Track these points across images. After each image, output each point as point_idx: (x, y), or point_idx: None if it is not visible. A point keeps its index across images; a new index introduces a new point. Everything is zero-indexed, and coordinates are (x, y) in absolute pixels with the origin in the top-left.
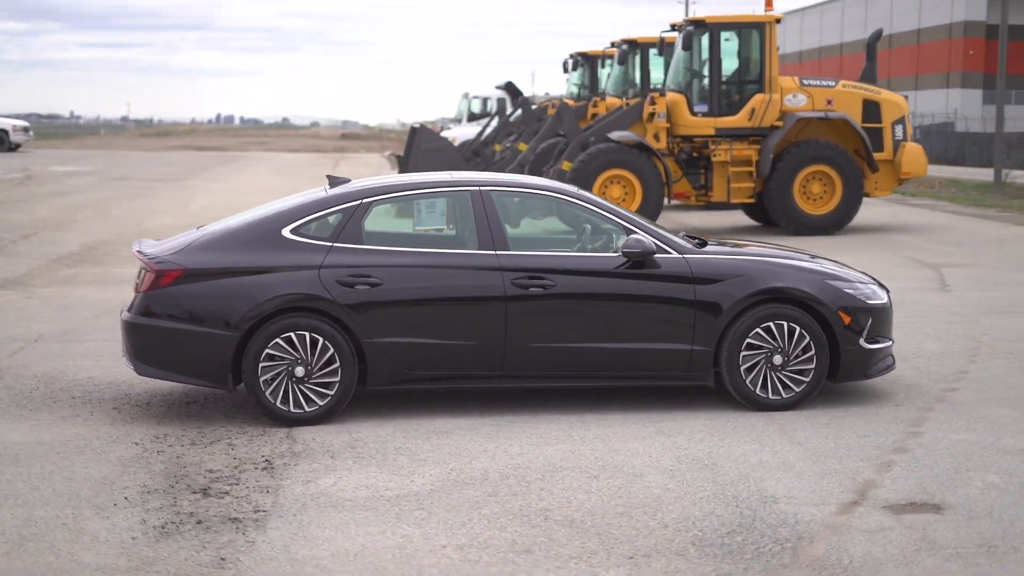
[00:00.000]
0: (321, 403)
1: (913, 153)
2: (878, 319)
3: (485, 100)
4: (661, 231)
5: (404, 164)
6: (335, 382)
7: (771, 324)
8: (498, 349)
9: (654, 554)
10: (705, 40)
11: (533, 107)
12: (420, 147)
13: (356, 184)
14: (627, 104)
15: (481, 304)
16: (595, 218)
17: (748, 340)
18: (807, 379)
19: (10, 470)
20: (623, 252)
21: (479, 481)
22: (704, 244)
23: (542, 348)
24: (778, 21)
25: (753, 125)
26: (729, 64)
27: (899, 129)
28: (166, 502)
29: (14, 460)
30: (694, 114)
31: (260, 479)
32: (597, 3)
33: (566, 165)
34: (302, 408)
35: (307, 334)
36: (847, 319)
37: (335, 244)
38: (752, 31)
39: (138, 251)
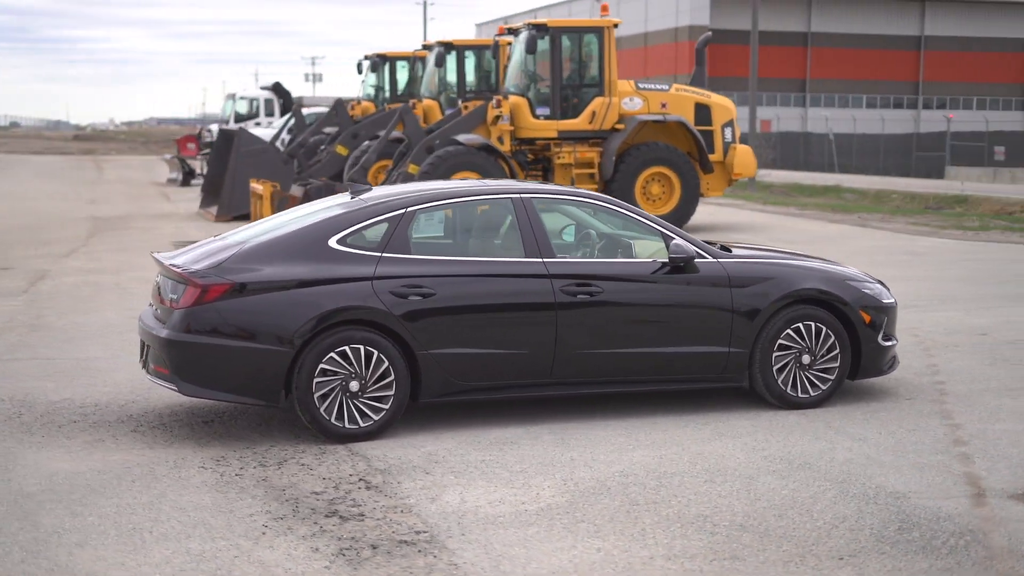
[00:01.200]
0: (376, 418)
1: (744, 155)
2: (890, 318)
3: (252, 101)
4: (691, 236)
5: (217, 167)
6: (389, 396)
7: (800, 325)
8: (547, 357)
9: (860, 554)
10: (547, 44)
11: (306, 109)
12: (241, 150)
13: (396, 192)
14: (466, 108)
15: (532, 312)
16: (633, 224)
17: (780, 341)
18: (832, 377)
19: (104, 502)
20: (671, 257)
21: (602, 490)
22: (728, 249)
23: (589, 355)
24: (616, 26)
25: (594, 128)
26: (570, 68)
27: (728, 131)
28: (312, 528)
29: (93, 491)
30: (536, 117)
31: (377, 499)
32: (314, 3)
33: (413, 168)
34: (357, 424)
35: (361, 347)
36: (867, 318)
37: (384, 254)
38: (592, 35)
39: (172, 264)
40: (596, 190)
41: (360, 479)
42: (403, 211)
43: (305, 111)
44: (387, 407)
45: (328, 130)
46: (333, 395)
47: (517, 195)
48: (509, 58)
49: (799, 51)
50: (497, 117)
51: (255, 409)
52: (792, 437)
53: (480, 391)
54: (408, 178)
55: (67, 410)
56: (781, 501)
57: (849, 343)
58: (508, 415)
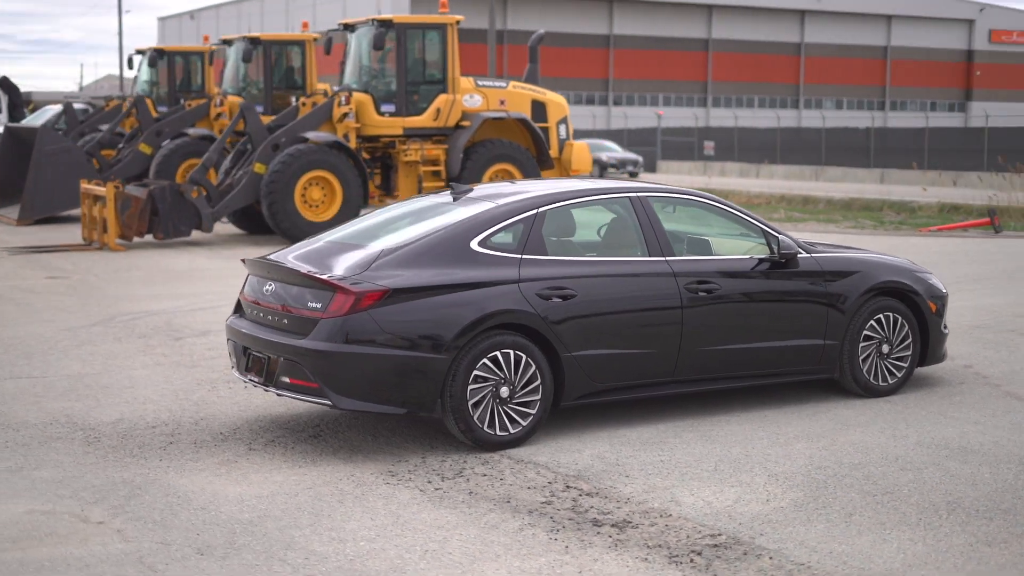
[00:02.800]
0: (524, 423)
1: (580, 151)
2: (946, 307)
3: None
4: (785, 232)
5: (6, 168)
6: (536, 400)
7: (881, 316)
8: (672, 356)
9: None
10: (391, 40)
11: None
12: (44, 149)
13: (514, 191)
14: (304, 104)
15: (660, 311)
16: (737, 222)
17: (865, 332)
18: (905, 365)
19: (351, 524)
20: (781, 253)
21: (822, 483)
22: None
23: (710, 352)
24: (458, 23)
25: (439, 125)
26: (415, 64)
27: (563, 128)
28: (604, 539)
29: (319, 514)
30: (381, 114)
31: (618, 504)
32: None
33: (259, 167)
34: (507, 431)
35: (511, 352)
36: (934, 307)
37: (524, 256)
38: (435, 32)
39: (312, 270)
40: (442, 189)
41: (567, 486)
42: (535, 211)
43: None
44: (534, 412)
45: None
46: (485, 402)
47: (634, 194)
48: (345, 54)
49: (601, 52)
50: (344, 114)
51: (361, 419)
52: (912, 426)
53: (614, 392)
54: (255, 178)
55: (142, 432)
56: (998, 485)
57: (919, 332)
58: (613, 416)
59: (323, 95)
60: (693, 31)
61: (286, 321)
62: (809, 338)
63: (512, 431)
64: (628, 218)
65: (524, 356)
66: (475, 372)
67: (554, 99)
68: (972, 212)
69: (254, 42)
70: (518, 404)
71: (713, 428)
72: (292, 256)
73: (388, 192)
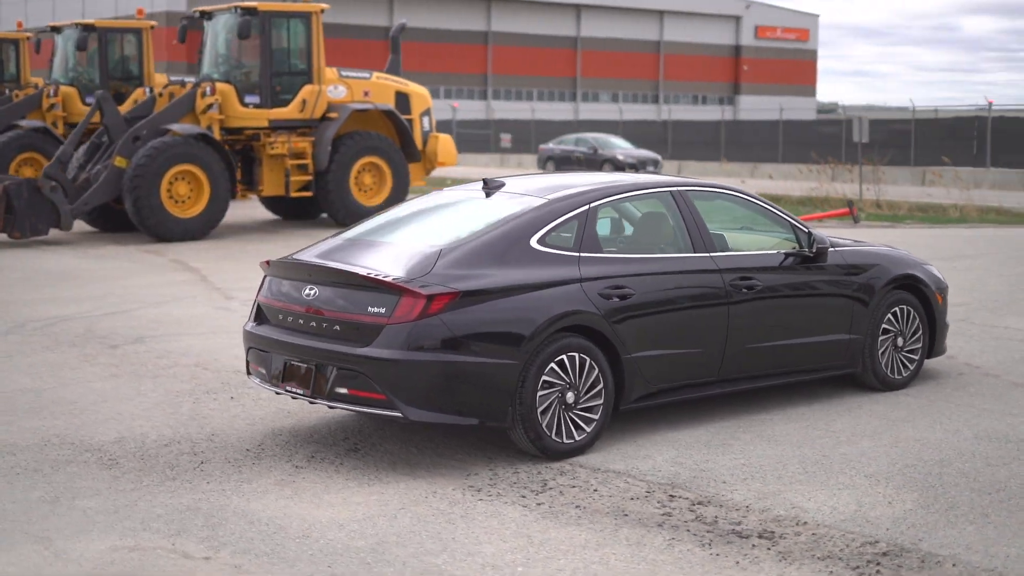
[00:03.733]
0: (588, 429)
1: (445, 143)
2: (947, 299)
3: None
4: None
5: None
6: (598, 405)
7: (897, 309)
8: (718, 355)
9: None
10: (256, 28)
11: None
12: None
13: (562, 185)
14: (161, 95)
15: (709, 309)
16: (766, 216)
17: (883, 325)
18: (916, 358)
19: (487, 548)
20: (816, 248)
21: (927, 483)
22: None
23: (752, 350)
24: (323, 11)
25: (305, 116)
26: (279, 54)
27: (426, 120)
28: (775, 551)
29: (439, 538)
30: (245, 105)
31: (739, 513)
32: None
33: (121, 162)
34: (573, 438)
35: (576, 355)
36: (940, 299)
37: (582, 254)
38: (300, 21)
39: (375, 273)
40: (309, 182)
41: (669, 495)
42: (588, 207)
43: None
44: (597, 417)
45: None
46: (552, 409)
47: (675, 188)
48: (203, 42)
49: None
50: (208, 105)
51: (389, 429)
52: (954, 419)
53: (666, 394)
54: (116, 172)
55: (157, 451)
56: None
57: (928, 324)
58: (634, 420)
59: (180, 85)
60: (473, 24)
61: (338, 328)
62: (837, 333)
63: (578, 438)
64: (670, 213)
65: (588, 359)
66: (543, 377)
67: (417, 90)
68: (796, 203)
69: (88, 29)
70: (582, 410)
71: (763, 428)
72: (328, 257)
73: (251, 187)
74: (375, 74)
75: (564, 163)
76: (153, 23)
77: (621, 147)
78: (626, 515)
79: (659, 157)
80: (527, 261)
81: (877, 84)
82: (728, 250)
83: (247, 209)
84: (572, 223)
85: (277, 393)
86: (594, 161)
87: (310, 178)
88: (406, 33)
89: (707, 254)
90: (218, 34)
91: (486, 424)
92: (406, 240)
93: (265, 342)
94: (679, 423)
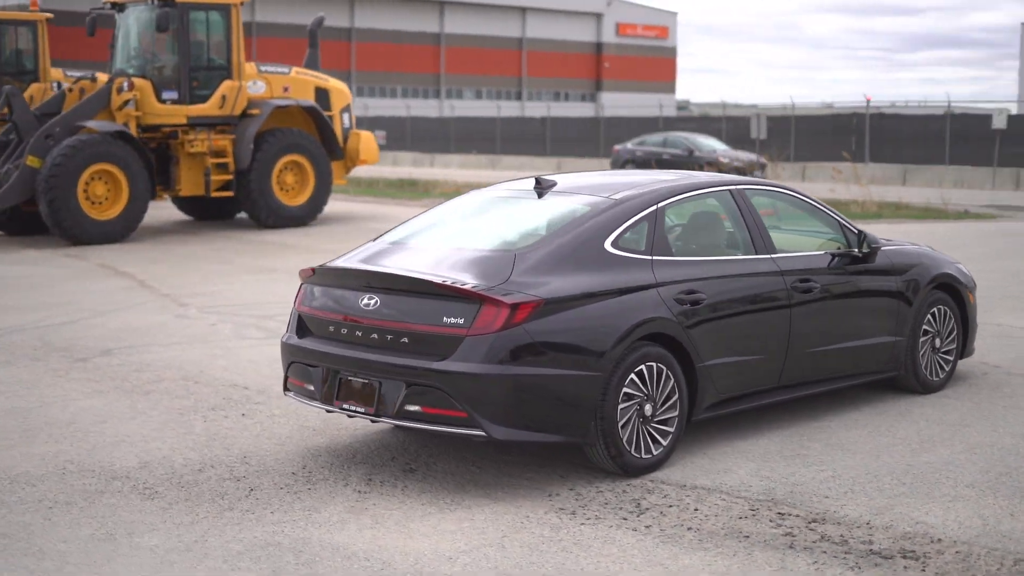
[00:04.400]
0: (664, 443)
1: (367, 141)
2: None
3: None
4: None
5: None
6: (674, 417)
7: (935, 310)
8: (780, 360)
9: None
10: (174, 22)
11: None
12: None
13: (622, 183)
14: (71, 90)
15: (773, 312)
16: (815, 215)
17: (924, 327)
18: (951, 358)
19: None
20: (870, 247)
21: (1018, 493)
22: None
23: (810, 354)
24: (242, 3)
25: (225, 113)
26: (197, 47)
27: (347, 117)
28: (931, 573)
29: (565, 569)
30: (162, 101)
31: (873, 533)
32: None
33: (34, 161)
34: (651, 453)
35: (655, 365)
36: (972, 298)
37: (654, 257)
38: (218, 13)
39: (446, 281)
40: (230, 181)
41: (778, 512)
42: (655, 207)
43: None
44: (672, 430)
45: None
46: (631, 423)
47: (735, 187)
48: (115, 36)
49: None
50: (125, 102)
51: (434, 444)
52: (1012, 424)
53: (732, 403)
54: (29, 172)
55: (193, 477)
56: None
57: (962, 324)
58: (698, 429)
59: (90, 80)
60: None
61: (406, 340)
62: (885, 335)
63: (655, 453)
64: (730, 213)
65: (665, 369)
66: (624, 389)
67: (337, 86)
68: None
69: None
70: (658, 422)
71: (827, 436)
72: (384, 263)
73: (168, 186)
74: (294, 69)
75: (648, 167)
76: (49, 14)
77: (719, 148)
78: (747, 537)
79: (764, 160)
80: (602, 265)
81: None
82: (780, 251)
83: (155, 210)
84: (642, 224)
85: (328, 411)
86: (689, 165)
87: (230, 177)
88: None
89: (768, 256)
90: (131, 27)
91: (567, 441)
92: (465, 244)
93: (314, 356)
94: (735, 433)
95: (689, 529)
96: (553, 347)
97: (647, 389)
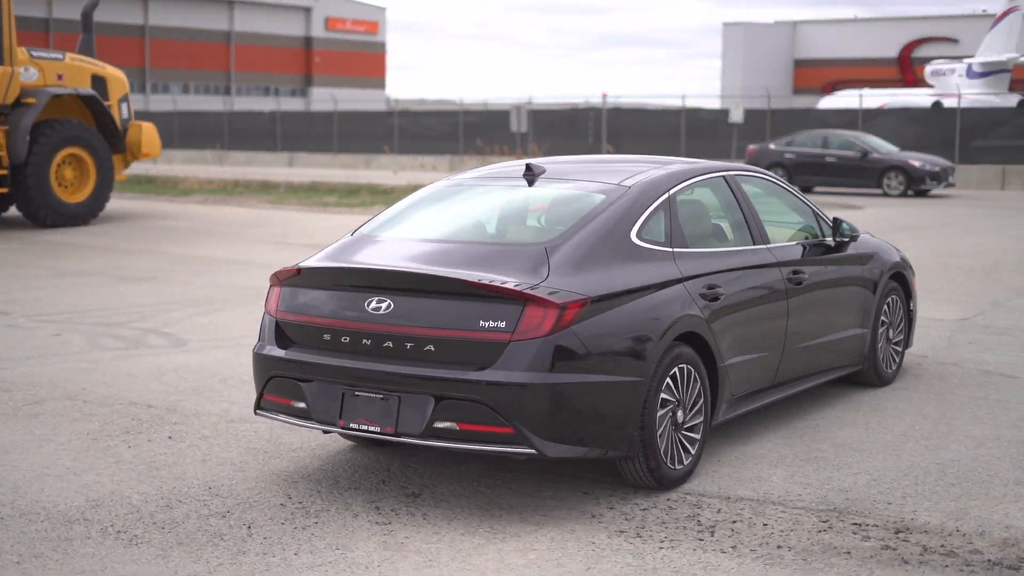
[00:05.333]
0: (692, 452)
1: (149, 133)
2: None
3: None
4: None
5: None
6: (699, 423)
7: (889, 300)
8: (778, 357)
9: None
10: None
11: None
12: None
13: (618, 168)
14: None
15: (774, 306)
16: (799, 203)
17: (881, 317)
18: (900, 349)
19: None
20: (852, 235)
21: None
22: None
23: (802, 349)
24: None
25: None
26: None
27: (125, 107)
28: None
29: None
30: None
31: (971, 540)
32: None
33: None
34: (683, 463)
35: (685, 367)
36: (915, 286)
37: (674, 249)
38: None
39: (482, 279)
40: (3, 176)
41: (856, 524)
42: (667, 195)
43: None
44: (699, 437)
45: None
46: (666, 431)
47: (728, 173)
48: None
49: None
50: None
51: (437, 464)
52: (992, 416)
53: (737, 405)
54: None
55: (218, 523)
56: None
57: (907, 314)
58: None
59: None
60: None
61: (431, 348)
62: (857, 328)
63: (685, 463)
64: (727, 201)
65: (693, 371)
66: (661, 395)
67: (114, 74)
68: None
69: None
70: (687, 429)
71: (827, 435)
72: (391, 260)
73: None
74: (68, 55)
75: (805, 171)
76: None
77: (893, 150)
78: (848, 553)
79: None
80: (632, 258)
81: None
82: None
83: None
84: (659, 213)
85: (325, 431)
86: (870, 170)
87: (5, 172)
88: None
89: (765, 246)
90: None
91: (610, 455)
92: (474, 237)
93: (306, 369)
94: (730, 437)
95: (779, 547)
96: (600, 351)
97: (679, 394)
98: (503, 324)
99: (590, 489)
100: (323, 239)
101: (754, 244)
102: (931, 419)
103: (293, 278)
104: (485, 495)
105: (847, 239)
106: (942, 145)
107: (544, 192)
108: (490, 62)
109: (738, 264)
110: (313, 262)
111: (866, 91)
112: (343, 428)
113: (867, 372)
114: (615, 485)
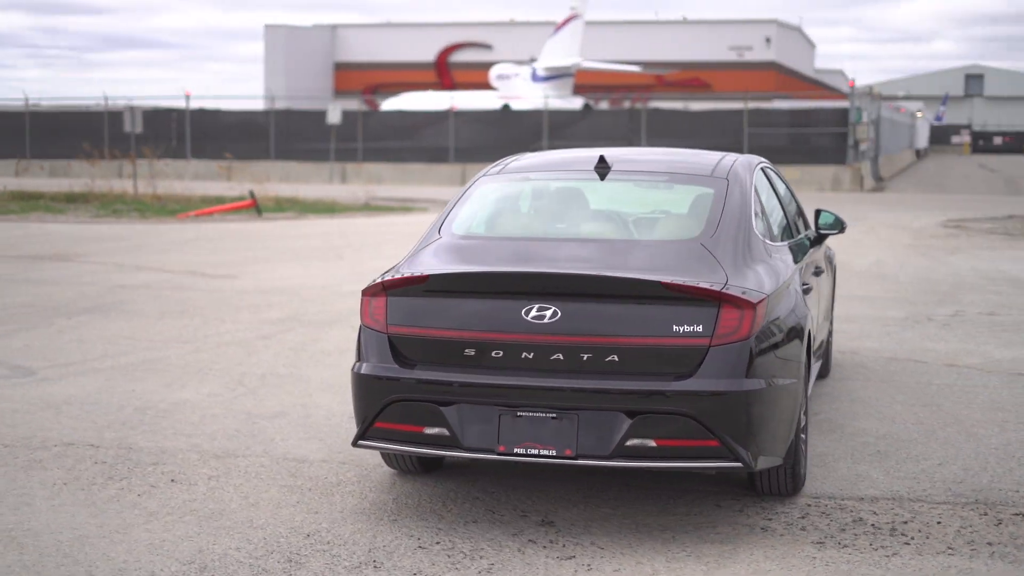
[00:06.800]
0: (805, 453)
1: None
2: None
3: None
4: None
5: None
6: (805, 424)
7: None
8: (825, 342)
9: None
10: None
11: None
12: None
13: (679, 159)
14: None
15: (824, 291)
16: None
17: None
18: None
19: None
20: (841, 227)
21: None
22: None
23: (828, 332)
24: None
25: None
26: None
27: None
28: None
29: None
30: None
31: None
32: None
33: None
34: (805, 466)
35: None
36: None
37: (766, 242)
38: None
39: (675, 280)
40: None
41: (1018, 515)
42: (753, 187)
43: None
44: (805, 437)
45: None
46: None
47: (762, 164)
48: None
49: None
50: None
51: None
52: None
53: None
54: None
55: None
56: None
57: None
58: None
59: None
60: None
61: (614, 358)
62: (828, 322)
63: (805, 467)
64: (769, 192)
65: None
66: None
67: None
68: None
69: None
70: (801, 430)
71: (860, 426)
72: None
73: None
74: None
75: None
76: None
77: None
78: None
79: None
80: (760, 253)
81: None
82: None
83: None
84: (756, 205)
85: (473, 459)
86: None
87: None
88: None
89: (804, 234)
90: None
91: (780, 464)
92: (611, 234)
93: (449, 390)
94: None
95: (988, 544)
96: (777, 353)
97: (808, 392)
98: (700, 328)
99: (719, 500)
100: None
101: (793, 236)
102: (929, 407)
103: (411, 287)
104: (594, 516)
105: (840, 229)
106: (514, 144)
107: (635, 190)
108: None
109: (805, 259)
110: (444, 268)
111: (431, 92)
112: (502, 454)
113: (824, 366)
114: (730, 494)
